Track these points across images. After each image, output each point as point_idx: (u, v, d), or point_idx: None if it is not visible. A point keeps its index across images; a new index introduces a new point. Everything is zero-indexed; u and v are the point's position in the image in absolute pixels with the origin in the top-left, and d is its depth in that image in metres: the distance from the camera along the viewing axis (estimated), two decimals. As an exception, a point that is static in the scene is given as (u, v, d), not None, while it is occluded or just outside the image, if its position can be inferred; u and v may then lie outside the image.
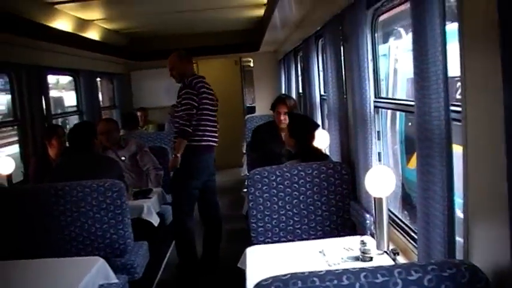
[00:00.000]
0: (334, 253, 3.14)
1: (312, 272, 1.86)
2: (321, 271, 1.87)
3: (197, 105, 5.11)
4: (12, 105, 5.83)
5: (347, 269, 1.87)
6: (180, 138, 5.12)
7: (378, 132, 3.72)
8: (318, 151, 4.27)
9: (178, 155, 5.13)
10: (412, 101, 2.65)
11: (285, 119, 5.26)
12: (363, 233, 3.54)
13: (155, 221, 5.06)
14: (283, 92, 9.22)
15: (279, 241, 3.81)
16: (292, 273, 1.85)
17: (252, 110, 11.68)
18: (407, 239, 3.18)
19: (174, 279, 5.36)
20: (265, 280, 1.85)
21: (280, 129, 5.33)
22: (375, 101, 3.59)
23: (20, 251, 3.82)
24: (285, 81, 9.14)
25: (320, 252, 3.18)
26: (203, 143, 5.21)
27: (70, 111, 8.81)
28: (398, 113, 4.15)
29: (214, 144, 5.37)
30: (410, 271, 1.83)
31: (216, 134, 5.38)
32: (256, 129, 5.76)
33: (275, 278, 1.84)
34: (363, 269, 1.86)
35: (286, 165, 3.97)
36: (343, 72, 4.26)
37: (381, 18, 3.72)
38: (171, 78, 5.46)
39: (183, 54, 5.39)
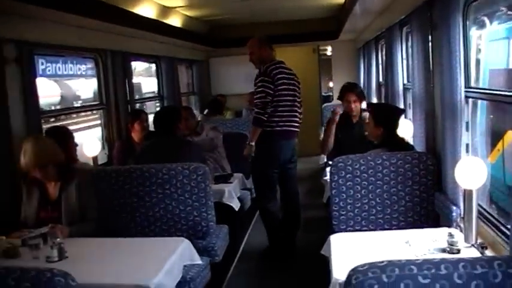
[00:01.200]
0: (420, 244, 3.08)
1: (409, 260, 1.84)
2: (418, 259, 1.85)
3: (272, 92, 5.10)
4: (98, 90, 6.01)
5: (445, 259, 1.84)
6: (254, 126, 5.15)
7: (467, 123, 3.63)
8: (402, 141, 4.22)
9: (252, 143, 5.15)
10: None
11: (355, 107, 5.34)
12: (447, 225, 3.47)
13: (236, 205, 5.12)
14: (361, 81, 9.12)
15: (360, 230, 3.79)
16: (388, 261, 1.84)
17: (326, 99, 11.62)
18: (496, 233, 3.10)
19: (251, 263, 5.40)
20: (362, 266, 1.84)
21: (352, 117, 5.32)
22: (465, 91, 3.50)
23: (107, 229, 3.96)
24: (364, 70, 9.02)
25: (406, 242, 3.13)
26: (277, 129, 5.19)
27: (152, 96, 9.01)
28: (479, 104, 4.02)
29: (293, 129, 5.34)
30: (511, 264, 1.79)
31: (296, 119, 5.35)
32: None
33: (372, 264, 1.83)
34: (461, 259, 1.82)
35: (371, 153, 3.93)
36: (431, 61, 4.17)
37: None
38: (250, 65, 5.47)
39: (263, 40, 5.39)
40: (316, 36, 9.84)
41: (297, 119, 5.37)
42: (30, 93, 4.38)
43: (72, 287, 1.96)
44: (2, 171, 4.01)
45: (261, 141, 5.17)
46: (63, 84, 20.74)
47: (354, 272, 1.84)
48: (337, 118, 5.26)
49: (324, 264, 3.34)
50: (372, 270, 1.81)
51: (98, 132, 6.71)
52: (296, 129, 5.40)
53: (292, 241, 5.50)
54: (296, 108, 5.34)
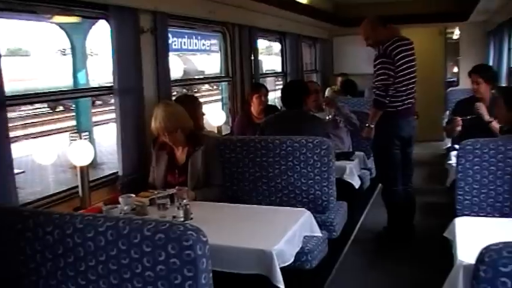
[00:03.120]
0: (551, 235, 2.94)
1: (548, 244, 1.77)
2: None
3: (393, 74, 4.93)
4: (224, 63, 6.17)
5: None
6: (375, 109, 5.03)
7: None
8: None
9: (372, 125, 5.04)
10: None
11: (477, 88, 5.18)
12: None
13: (356, 183, 5.10)
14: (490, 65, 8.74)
15: (485, 216, 3.65)
16: None
17: (449, 84, 11.24)
18: None
19: (367, 242, 5.37)
20: (496, 244, 1.80)
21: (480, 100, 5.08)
22: None
23: (230, 196, 4.12)
24: (494, 54, 8.64)
25: (535, 232, 2.99)
26: (398, 108, 5.02)
27: (276, 72, 9.14)
28: None
29: (412, 106, 5.16)
30: None
31: (414, 94, 5.16)
32: (458, 103, 5.53)
33: (506, 244, 1.78)
34: None
35: (502, 138, 3.78)
36: None
37: None
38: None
39: (374, 21, 5.19)
40: (444, 17, 9.48)
41: (414, 94, 5.18)
42: (163, 61, 4.58)
43: (203, 242, 2.04)
44: (134, 135, 4.23)
45: (382, 120, 5.05)
46: (186, 59, 21.48)
47: (487, 250, 1.80)
48: (457, 129, 5.06)
49: (443, 248, 3.27)
50: (507, 250, 1.76)
51: (217, 106, 6.93)
52: (414, 105, 5.21)
53: (410, 224, 5.38)
54: (414, 81, 5.14)
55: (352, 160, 5.30)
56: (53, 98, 5.27)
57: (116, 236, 2.13)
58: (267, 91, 5.92)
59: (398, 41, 5.01)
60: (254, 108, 5.74)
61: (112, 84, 4.16)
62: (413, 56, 5.11)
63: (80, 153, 3.70)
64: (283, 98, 4.92)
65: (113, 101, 4.24)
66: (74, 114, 13.97)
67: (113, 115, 4.28)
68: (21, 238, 2.35)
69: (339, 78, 9.25)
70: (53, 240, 2.27)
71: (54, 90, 5.05)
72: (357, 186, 5.12)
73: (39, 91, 4.48)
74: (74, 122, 13.74)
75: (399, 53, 4.96)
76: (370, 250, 5.22)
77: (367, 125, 5.09)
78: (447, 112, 8.05)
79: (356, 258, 4.97)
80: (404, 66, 4.97)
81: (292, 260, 3.04)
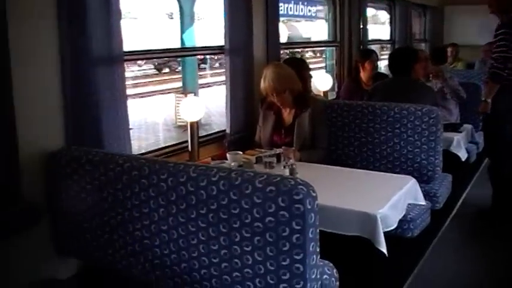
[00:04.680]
0: None
1: None
2: None
3: None
4: (332, 28, 6.15)
5: None
6: (492, 82, 4.79)
7: None
8: None
9: (488, 100, 4.83)
10: None
11: None
12: None
13: (463, 155, 4.98)
14: None
15: None
16: None
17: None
18: None
19: (469, 218, 5.19)
20: None
21: None
22: None
23: (334, 159, 4.14)
24: None
25: None
26: None
27: (383, 39, 9.00)
28: None
29: None
30: None
31: None
32: None
33: None
34: None
35: None
36: None
37: None
38: (485, 16, 5.07)
39: None
40: None
41: None
42: (273, 23, 4.64)
43: (312, 197, 2.08)
44: (243, 94, 4.32)
45: (496, 94, 4.82)
46: (291, 26, 21.40)
47: None
48: None
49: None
50: None
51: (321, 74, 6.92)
52: None
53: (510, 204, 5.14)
54: None
55: (460, 132, 5.16)
56: (167, 55, 5.43)
57: (228, 186, 2.20)
58: (377, 57, 5.87)
59: None
60: (364, 75, 5.68)
61: (223, 44, 4.24)
62: None
63: (191, 109, 3.82)
64: (390, 64, 4.83)
65: (217, 64, 4.35)
66: (179, 76, 14.30)
67: (217, 78, 4.39)
68: (137, 184, 2.48)
69: (449, 49, 8.94)
70: (166, 187, 2.38)
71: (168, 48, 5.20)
72: (463, 159, 4.99)
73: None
74: (179, 84, 14.08)
75: None
76: (471, 226, 5.05)
77: (483, 99, 4.89)
78: None
79: (456, 232, 4.83)
80: None
81: (395, 225, 3.03)
